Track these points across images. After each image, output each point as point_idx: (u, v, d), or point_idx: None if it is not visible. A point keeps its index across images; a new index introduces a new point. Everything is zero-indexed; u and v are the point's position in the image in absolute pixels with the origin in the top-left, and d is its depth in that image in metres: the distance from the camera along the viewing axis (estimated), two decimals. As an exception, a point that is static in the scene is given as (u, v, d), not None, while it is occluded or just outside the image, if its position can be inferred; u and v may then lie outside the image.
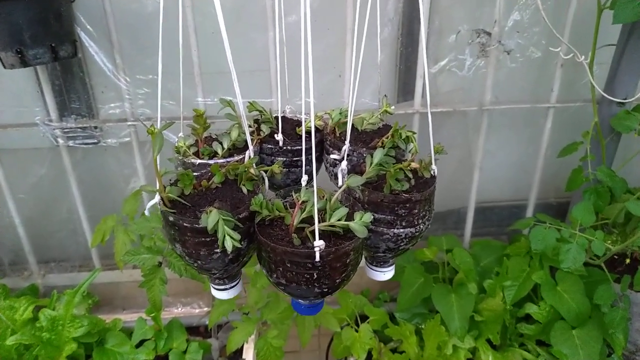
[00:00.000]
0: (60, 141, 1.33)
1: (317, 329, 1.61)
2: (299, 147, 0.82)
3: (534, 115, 1.44)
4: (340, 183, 0.69)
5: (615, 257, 1.39)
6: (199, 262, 0.64)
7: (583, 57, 1.23)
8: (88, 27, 1.23)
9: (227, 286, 0.71)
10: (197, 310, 1.58)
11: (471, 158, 1.46)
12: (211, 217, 0.57)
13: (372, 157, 0.66)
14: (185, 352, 1.30)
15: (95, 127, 1.33)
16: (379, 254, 0.71)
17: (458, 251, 1.38)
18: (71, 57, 1.15)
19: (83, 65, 1.30)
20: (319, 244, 0.56)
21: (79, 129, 1.33)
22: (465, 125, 1.43)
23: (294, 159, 0.82)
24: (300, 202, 0.59)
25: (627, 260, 1.34)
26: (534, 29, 1.30)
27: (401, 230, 0.66)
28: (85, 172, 1.43)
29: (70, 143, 1.34)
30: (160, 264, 0.98)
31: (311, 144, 0.83)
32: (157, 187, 0.62)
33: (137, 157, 1.37)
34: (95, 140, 1.36)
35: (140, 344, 1.31)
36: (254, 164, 0.68)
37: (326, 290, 0.61)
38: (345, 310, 1.44)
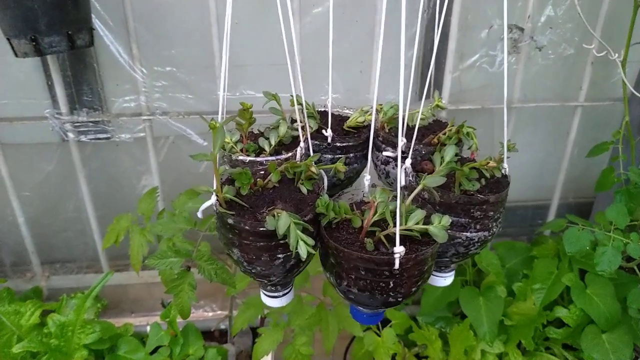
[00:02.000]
0: (71, 136, 1.25)
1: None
2: (348, 144, 0.77)
3: (561, 114, 1.41)
4: (402, 182, 0.64)
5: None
6: (259, 268, 0.58)
7: (616, 54, 1.20)
8: (103, 14, 1.16)
9: (280, 293, 0.66)
10: (210, 314, 1.52)
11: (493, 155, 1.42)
12: (282, 221, 0.51)
13: (440, 154, 0.61)
14: (202, 358, 1.24)
15: (108, 122, 1.26)
16: (443, 259, 0.66)
17: (485, 253, 1.34)
18: (88, 46, 1.08)
19: (96, 55, 1.23)
20: (399, 250, 0.51)
21: (90, 123, 1.26)
22: (492, 123, 1.39)
23: (342, 156, 0.77)
24: (376, 203, 0.54)
25: (659, 263, 1.31)
26: (567, 25, 1.26)
27: (474, 234, 0.61)
28: (95, 169, 1.36)
29: (82, 138, 1.26)
30: (189, 267, 0.92)
31: (359, 140, 0.79)
32: (215, 187, 0.56)
33: (151, 153, 1.31)
34: (108, 135, 1.29)
35: (154, 350, 1.25)
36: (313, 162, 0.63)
37: (400, 299, 0.56)
38: (365, 313, 1.39)
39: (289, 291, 0.67)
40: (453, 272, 0.70)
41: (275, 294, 0.66)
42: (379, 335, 1.33)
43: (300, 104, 0.82)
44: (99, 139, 1.29)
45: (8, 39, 1.01)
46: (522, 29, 1.22)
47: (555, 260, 1.33)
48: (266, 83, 1.14)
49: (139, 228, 1.17)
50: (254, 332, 1.44)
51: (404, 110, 0.76)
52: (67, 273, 1.48)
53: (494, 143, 1.44)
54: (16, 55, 1.03)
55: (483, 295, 1.29)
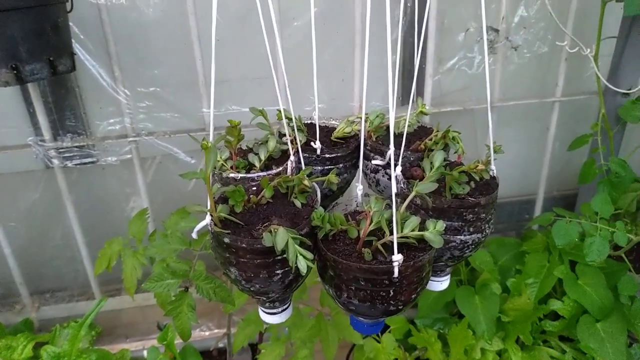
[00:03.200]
0: (55, 162, 1.24)
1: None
2: (337, 155, 0.77)
3: (540, 110, 1.44)
4: (395, 190, 0.65)
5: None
6: (258, 285, 0.58)
7: (588, 50, 1.23)
8: (83, 38, 1.16)
9: (279, 309, 0.66)
10: (207, 333, 1.50)
11: (479, 156, 1.45)
12: (279, 237, 0.51)
13: (430, 160, 0.62)
14: (203, 379, 1.23)
15: (93, 145, 1.25)
16: (439, 263, 0.67)
17: (477, 252, 1.35)
18: (70, 72, 1.07)
19: (77, 80, 1.22)
20: (397, 258, 0.52)
21: (75, 148, 1.25)
22: (473, 124, 1.42)
23: (332, 167, 0.77)
24: (372, 212, 0.55)
25: (645, 249, 1.34)
26: (539, 24, 1.30)
27: (468, 236, 0.62)
28: (82, 194, 1.35)
29: (67, 163, 1.25)
30: (186, 288, 0.91)
31: (347, 150, 0.80)
32: (209, 207, 0.56)
33: (139, 174, 1.30)
34: (93, 159, 1.28)
35: (154, 374, 1.23)
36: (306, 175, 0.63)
37: (401, 307, 0.56)
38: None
39: (288, 307, 0.67)
40: (449, 276, 0.71)
41: (274, 311, 0.66)
42: (379, 342, 1.33)
43: (288, 117, 0.83)
44: (85, 163, 1.27)
45: (-12, 69, 1.00)
46: (497, 30, 1.25)
47: (545, 254, 1.35)
48: (250, 97, 1.15)
49: (131, 251, 1.16)
50: (253, 349, 1.43)
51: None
52: (58, 302, 1.45)
53: (477, 143, 1.47)
54: (-3, 84, 1.02)
55: (478, 293, 1.30)
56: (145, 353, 1.44)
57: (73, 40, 1.14)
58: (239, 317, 1.46)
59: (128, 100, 1.21)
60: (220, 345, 1.43)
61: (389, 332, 1.36)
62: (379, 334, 1.36)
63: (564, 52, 1.29)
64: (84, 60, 1.18)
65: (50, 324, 1.36)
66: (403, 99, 1.40)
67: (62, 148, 1.24)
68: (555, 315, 1.33)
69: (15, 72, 0.98)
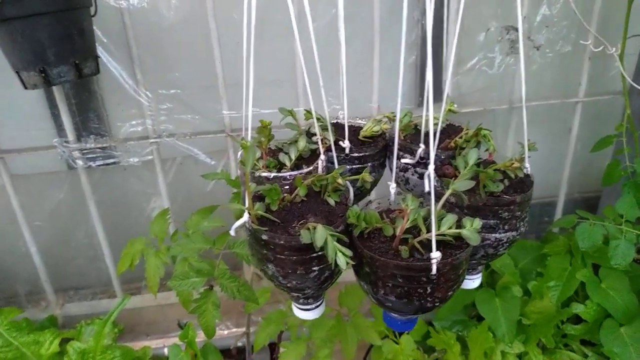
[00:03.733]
0: (79, 163, 1.26)
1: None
2: (365, 153, 0.77)
3: (562, 110, 1.43)
4: (426, 188, 0.65)
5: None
6: (294, 281, 0.58)
7: (614, 49, 1.22)
8: (105, 41, 1.18)
9: (313, 306, 0.66)
10: (226, 332, 1.51)
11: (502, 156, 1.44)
12: (319, 234, 0.52)
13: (464, 158, 0.62)
14: (223, 377, 1.24)
15: (115, 147, 1.27)
16: (472, 261, 0.67)
17: (497, 254, 1.35)
18: (94, 74, 1.09)
19: (100, 82, 1.24)
20: (436, 255, 0.52)
21: (98, 149, 1.26)
22: (494, 124, 1.41)
23: (360, 166, 0.77)
24: (409, 210, 0.55)
25: (671, 253, 1.32)
26: (562, 22, 1.29)
27: (503, 234, 0.62)
28: (104, 194, 1.37)
29: (90, 164, 1.27)
30: (211, 287, 0.92)
31: (376, 149, 0.80)
32: (247, 205, 0.56)
33: (160, 175, 1.31)
34: (116, 160, 1.29)
35: (175, 371, 1.23)
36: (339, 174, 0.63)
37: (437, 304, 0.56)
38: (382, 322, 1.38)
39: (321, 303, 0.67)
40: (480, 275, 0.71)
41: (308, 307, 0.66)
42: (397, 343, 1.33)
43: (317, 118, 0.83)
44: (107, 164, 1.29)
45: (17, 72, 1.02)
46: (518, 30, 1.24)
47: (567, 257, 1.34)
48: (269, 100, 1.16)
49: (153, 250, 1.17)
50: (271, 348, 1.44)
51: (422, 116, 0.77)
52: (81, 300, 1.47)
53: (498, 143, 1.46)
54: (25, 87, 1.04)
55: (499, 296, 1.29)
56: (165, 351, 1.45)
57: (97, 44, 1.16)
58: (257, 317, 1.46)
59: (149, 102, 1.23)
60: (239, 344, 1.44)
61: (408, 333, 1.35)
62: (397, 335, 1.35)
63: (588, 52, 1.28)
64: (106, 63, 1.19)
65: (74, 321, 1.38)
66: (422, 100, 1.40)
67: (85, 149, 1.25)
68: (577, 319, 1.32)
69: (43, 75, 1.00)
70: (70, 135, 1.23)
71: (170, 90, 1.25)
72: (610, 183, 1.33)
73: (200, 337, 1.55)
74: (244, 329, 1.35)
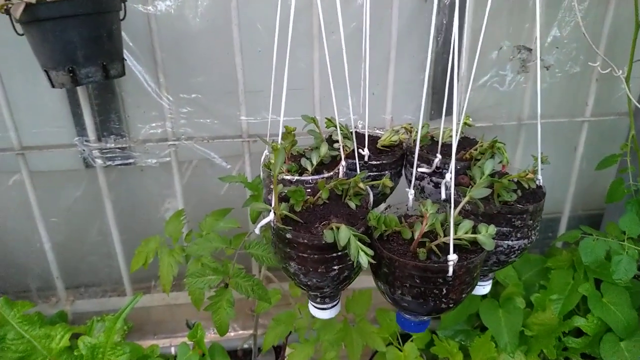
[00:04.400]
0: (98, 162, 1.29)
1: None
2: (383, 162, 0.81)
3: (569, 129, 1.47)
4: (443, 196, 0.68)
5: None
6: (314, 280, 0.62)
7: (620, 71, 1.26)
8: (132, 45, 1.22)
9: (329, 305, 0.69)
10: (232, 334, 1.54)
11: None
12: (342, 234, 0.55)
13: (480, 168, 0.65)
14: (230, 377, 1.26)
15: (134, 147, 1.30)
16: (484, 268, 0.70)
17: (502, 266, 1.38)
18: (120, 76, 1.12)
19: (123, 84, 1.28)
20: (452, 257, 0.55)
21: (117, 149, 1.30)
22: (504, 140, 1.44)
23: (377, 173, 0.81)
24: (428, 214, 0.58)
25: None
26: (572, 44, 1.33)
27: (515, 242, 0.66)
28: (120, 194, 1.40)
29: (108, 164, 1.30)
30: (226, 285, 0.95)
31: (393, 157, 0.83)
32: (273, 205, 0.60)
33: (176, 177, 1.34)
34: (134, 161, 1.33)
35: (182, 370, 1.26)
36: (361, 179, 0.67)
37: (452, 305, 0.59)
38: (386, 329, 1.41)
39: (337, 303, 0.70)
40: (491, 281, 0.74)
41: (325, 306, 0.69)
42: (401, 350, 1.35)
43: (340, 126, 0.87)
44: (125, 164, 1.33)
45: (46, 71, 1.06)
46: (529, 49, 1.29)
47: (570, 271, 1.37)
48: (286, 108, 1.19)
49: (167, 249, 1.20)
50: (276, 351, 1.46)
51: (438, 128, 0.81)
52: (91, 297, 1.50)
53: (509, 158, 1.50)
54: (53, 86, 1.07)
55: (502, 307, 1.32)
56: (172, 350, 1.48)
57: (123, 47, 1.20)
58: (264, 320, 1.49)
59: (170, 106, 1.26)
60: (245, 346, 1.46)
61: (411, 341, 1.37)
62: (401, 342, 1.38)
63: (595, 73, 1.32)
64: (131, 66, 1.23)
65: (83, 318, 1.41)
66: (434, 113, 1.43)
67: (105, 149, 1.29)
68: (578, 333, 1.34)
69: (71, 74, 1.04)
70: (91, 134, 1.27)
71: (192, 94, 1.29)
72: (614, 201, 1.36)
73: (207, 338, 1.58)
74: (250, 331, 1.37)
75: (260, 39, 1.25)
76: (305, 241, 0.59)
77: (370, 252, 0.56)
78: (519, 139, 1.42)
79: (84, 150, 1.28)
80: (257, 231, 0.62)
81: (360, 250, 0.55)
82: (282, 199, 0.66)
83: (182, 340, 1.30)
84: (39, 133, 1.29)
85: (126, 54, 1.22)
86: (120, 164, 1.31)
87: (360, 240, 0.58)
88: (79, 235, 1.44)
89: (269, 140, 0.79)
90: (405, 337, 1.40)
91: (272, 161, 0.78)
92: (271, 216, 0.61)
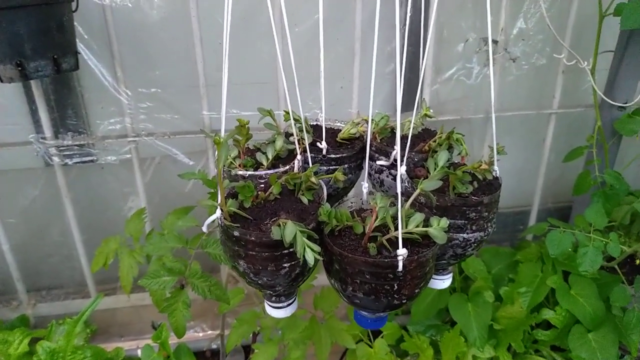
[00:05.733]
0: (56, 160, 1.25)
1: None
2: (342, 155, 0.79)
3: (536, 121, 1.47)
4: (399, 189, 0.66)
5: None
6: (265, 278, 0.59)
7: (585, 63, 1.26)
8: (86, 37, 1.17)
9: (285, 304, 0.67)
10: (201, 334, 1.50)
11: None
12: (288, 230, 0.53)
13: (434, 159, 0.63)
14: (196, 379, 1.23)
15: (93, 144, 1.26)
16: (442, 261, 0.68)
17: (471, 260, 1.37)
18: (73, 70, 1.08)
19: (80, 79, 1.23)
20: (402, 252, 0.53)
21: (75, 147, 1.25)
22: (470, 133, 1.44)
23: (337, 167, 0.79)
24: (377, 208, 0.56)
25: (638, 261, 1.36)
26: (538, 36, 1.33)
27: (471, 234, 0.64)
28: (80, 193, 1.35)
29: (67, 162, 1.25)
30: (182, 286, 0.92)
31: (353, 151, 0.81)
32: (219, 201, 0.57)
33: (137, 174, 1.30)
34: (93, 158, 1.28)
35: (148, 373, 1.22)
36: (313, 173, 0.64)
37: (404, 301, 0.57)
38: (357, 326, 1.39)
39: (293, 301, 0.68)
40: (451, 275, 0.73)
41: (280, 305, 0.67)
42: (371, 347, 1.33)
43: (295, 119, 0.85)
44: (85, 162, 1.28)
45: (-7, 65, 1.01)
46: (496, 42, 1.28)
47: (539, 264, 1.37)
48: (250, 101, 1.17)
49: (128, 249, 1.16)
50: (246, 350, 1.43)
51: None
52: (54, 300, 1.45)
53: (474, 151, 1.49)
54: (1, 80, 1.02)
55: (471, 301, 1.32)
56: (139, 352, 1.43)
57: (77, 40, 1.15)
58: (232, 319, 1.46)
59: (129, 101, 1.22)
60: (214, 346, 1.43)
61: (382, 337, 1.36)
62: (372, 338, 1.36)
63: (562, 65, 1.32)
64: (87, 60, 1.19)
65: (46, 321, 1.36)
66: (402, 107, 1.42)
67: (62, 146, 1.24)
68: (547, 325, 1.35)
69: (19, 68, 0.99)
70: (48, 131, 1.22)
71: (151, 89, 1.25)
72: (581, 193, 1.36)
73: (174, 339, 1.54)
74: (218, 332, 1.34)
75: (220, 31, 1.22)
76: (253, 239, 0.56)
77: (317, 248, 0.54)
78: (487, 131, 1.41)
79: (40, 148, 1.23)
80: (204, 229, 0.59)
81: (306, 247, 0.53)
82: (232, 195, 0.64)
83: (149, 342, 1.26)
84: (-7, 130, 1.24)
85: (81, 47, 1.17)
86: (79, 162, 1.27)
87: (309, 236, 0.55)
88: (39, 236, 1.39)
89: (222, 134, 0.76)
90: (376, 334, 1.39)
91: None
92: (218, 213, 0.58)
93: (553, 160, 1.49)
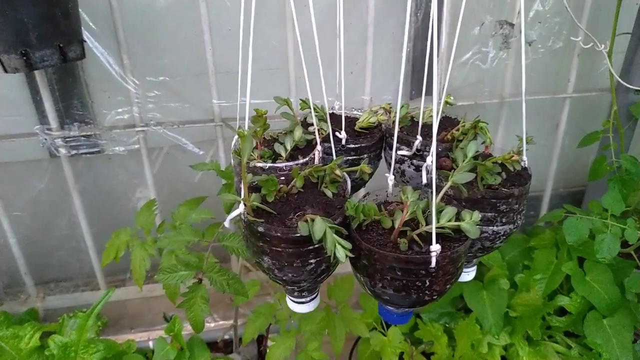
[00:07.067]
0: (62, 151, 1.22)
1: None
2: (361, 145, 0.76)
3: (551, 106, 1.44)
4: (424, 180, 0.64)
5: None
6: (290, 274, 0.57)
7: (602, 46, 1.23)
8: (92, 25, 1.14)
9: (308, 299, 0.65)
10: (212, 325, 1.50)
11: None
12: (317, 226, 0.51)
13: (463, 150, 0.61)
14: (210, 370, 1.22)
15: (100, 135, 1.23)
16: (469, 254, 0.66)
17: (485, 247, 1.36)
18: (80, 59, 1.05)
19: (86, 68, 1.20)
20: (436, 248, 0.51)
21: (82, 138, 1.22)
22: (484, 119, 1.41)
23: (356, 157, 0.76)
24: (409, 202, 0.54)
25: (654, 247, 1.35)
26: (555, 19, 1.29)
27: (501, 227, 0.62)
28: (88, 184, 1.33)
29: (73, 153, 1.23)
30: (200, 280, 0.90)
31: (372, 140, 0.79)
32: (242, 196, 0.55)
33: (146, 165, 1.28)
34: (100, 149, 1.26)
35: (160, 365, 1.22)
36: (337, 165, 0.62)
37: (435, 297, 0.56)
38: (370, 314, 1.38)
39: (316, 296, 0.66)
40: (475, 267, 0.71)
41: (303, 300, 0.65)
42: (385, 335, 1.33)
43: (315, 108, 0.82)
44: (92, 153, 1.26)
45: (-3, 55, 0.98)
46: (512, 25, 1.25)
47: (554, 250, 1.35)
48: (260, 89, 1.14)
49: (139, 242, 1.15)
50: (258, 341, 1.43)
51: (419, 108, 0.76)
52: (63, 292, 1.43)
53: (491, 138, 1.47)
54: (5, 71, 0.99)
55: (486, 288, 1.30)
56: (150, 344, 1.43)
57: (82, 28, 1.12)
58: (245, 310, 1.45)
59: (136, 90, 1.19)
60: (226, 337, 1.42)
61: (395, 325, 1.35)
62: (385, 327, 1.35)
63: (578, 48, 1.28)
64: (92, 48, 1.15)
65: (55, 314, 1.35)
66: (414, 92, 1.39)
67: (68, 137, 1.22)
68: (561, 311, 1.34)
69: (25, 58, 0.96)
70: (53, 122, 1.19)
71: (159, 77, 1.22)
72: (596, 178, 1.34)
73: (186, 330, 1.54)
74: (231, 322, 1.34)
75: (230, 17, 1.18)
76: (279, 234, 0.54)
77: (349, 245, 0.52)
78: (501, 117, 1.38)
79: (45, 139, 1.20)
80: (227, 224, 0.57)
81: (337, 244, 0.51)
82: (254, 188, 0.61)
83: (160, 333, 1.25)
84: (-3, 122, 1.21)
85: (87, 35, 1.14)
86: (86, 153, 1.24)
87: (337, 232, 0.53)
88: (46, 229, 1.37)
89: (239, 124, 0.74)
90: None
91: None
92: (241, 208, 0.56)
93: (567, 145, 1.47)
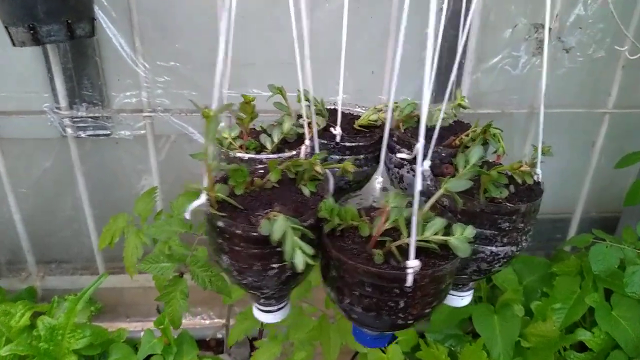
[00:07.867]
0: (69, 131, 1.20)
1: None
2: (358, 144, 0.69)
3: (587, 121, 1.33)
4: (419, 187, 0.57)
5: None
6: (250, 278, 0.51)
7: (652, 58, 1.11)
8: (106, 5, 1.11)
9: (274, 308, 0.58)
10: (207, 322, 1.45)
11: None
12: (277, 225, 0.44)
13: (465, 155, 0.53)
14: (196, 369, 1.17)
15: (108, 117, 1.21)
16: (462, 276, 0.58)
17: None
18: (88, 37, 1.03)
19: (98, 48, 1.18)
20: (413, 264, 0.44)
21: (89, 119, 1.21)
22: (511, 130, 1.31)
23: (352, 157, 0.69)
24: (389, 208, 0.47)
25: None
26: (598, 25, 1.18)
27: (500, 248, 0.54)
28: (93, 167, 1.31)
29: (80, 134, 1.21)
30: (181, 274, 0.85)
31: (371, 140, 0.72)
32: (205, 185, 0.49)
33: (152, 151, 1.25)
34: (107, 132, 1.24)
35: (147, 358, 1.18)
36: (319, 161, 0.55)
37: (410, 321, 0.48)
38: (371, 328, 1.30)
39: (285, 305, 0.60)
40: (472, 292, 0.63)
41: (269, 308, 0.58)
42: (384, 353, 1.24)
43: (307, 99, 0.76)
44: (98, 135, 1.24)
45: (6, 27, 0.97)
46: (549, 29, 1.15)
47: (578, 279, 1.24)
48: (275, 82, 1.09)
49: (135, 229, 1.11)
50: (252, 343, 1.37)
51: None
52: (63, 274, 1.42)
53: (513, 151, 1.36)
54: (14, 44, 0.98)
55: (498, 313, 1.21)
56: (143, 334, 1.40)
57: (96, 7, 1.10)
58: (240, 309, 1.40)
59: (146, 74, 1.16)
60: (219, 335, 1.38)
61: (397, 343, 1.27)
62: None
63: (622, 59, 1.17)
64: (105, 29, 1.13)
65: (54, 294, 1.33)
66: (437, 95, 1.30)
67: (76, 117, 1.20)
68: (581, 347, 1.23)
69: (32, 32, 0.95)
70: (63, 101, 1.18)
71: (170, 62, 1.18)
72: (634, 203, 1.23)
73: (182, 324, 1.50)
74: (224, 321, 1.29)
75: (245, 5, 1.13)
76: (239, 231, 0.48)
77: (311, 250, 0.45)
78: (530, 129, 1.28)
79: (54, 118, 1.18)
80: (187, 215, 0.52)
81: (296, 248, 0.44)
82: (224, 179, 0.55)
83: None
84: (9, 97, 1.20)
85: (100, 15, 1.12)
86: (93, 135, 1.22)
87: (303, 235, 0.47)
88: (50, 209, 1.36)
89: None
90: (391, 339, 1.30)
91: (225, 135, 0.67)
92: (202, 199, 0.50)
93: (603, 166, 1.35)
